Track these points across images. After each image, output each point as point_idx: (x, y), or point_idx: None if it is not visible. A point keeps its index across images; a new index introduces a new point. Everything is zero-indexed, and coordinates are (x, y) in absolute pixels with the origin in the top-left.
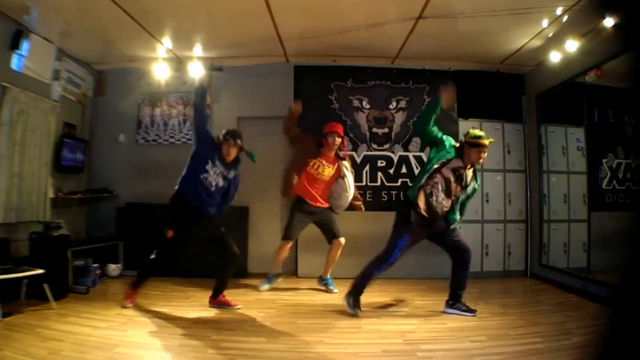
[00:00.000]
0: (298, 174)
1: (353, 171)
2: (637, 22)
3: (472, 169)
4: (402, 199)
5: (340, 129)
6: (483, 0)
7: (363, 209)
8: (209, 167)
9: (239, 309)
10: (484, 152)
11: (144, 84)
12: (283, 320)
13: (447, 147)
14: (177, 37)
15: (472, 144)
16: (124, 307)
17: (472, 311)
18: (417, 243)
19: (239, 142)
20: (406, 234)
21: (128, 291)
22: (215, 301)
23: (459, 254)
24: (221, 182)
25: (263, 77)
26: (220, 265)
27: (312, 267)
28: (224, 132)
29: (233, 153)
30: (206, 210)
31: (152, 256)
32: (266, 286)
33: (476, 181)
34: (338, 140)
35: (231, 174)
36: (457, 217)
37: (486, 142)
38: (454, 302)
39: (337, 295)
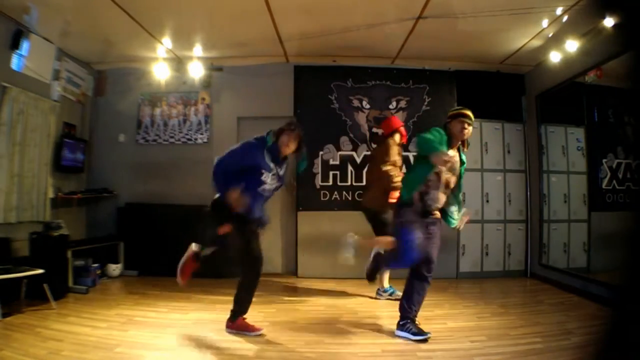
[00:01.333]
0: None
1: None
2: (637, 22)
3: (457, 151)
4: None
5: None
6: (483, 0)
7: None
8: (264, 177)
9: None
10: (467, 124)
11: (144, 84)
12: (283, 320)
13: (437, 138)
14: (177, 37)
15: (454, 115)
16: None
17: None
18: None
19: (300, 133)
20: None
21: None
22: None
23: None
24: (276, 184)
25: (263, 77)
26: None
27: (312, 267)
28: (285, 124)
29: (292, 146)
30: (259, 216)
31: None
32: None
33: (462, 160)
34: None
35: (282, 170)
36: (455, 214)
37: (469, 112)
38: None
39: (339, 295)
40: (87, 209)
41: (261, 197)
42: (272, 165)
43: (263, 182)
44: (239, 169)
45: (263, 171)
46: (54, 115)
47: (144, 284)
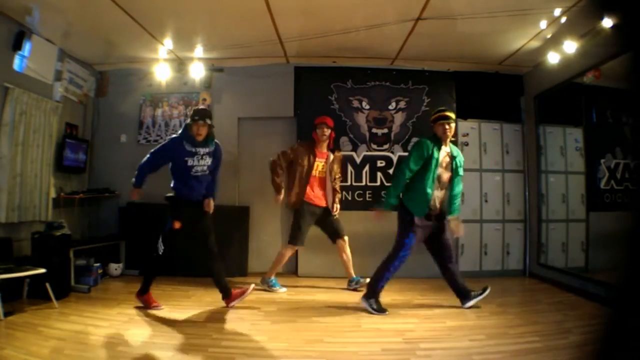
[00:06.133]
0: (302, 182)
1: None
2: (635, 23)
3: (448, 148)
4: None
5: (329, 120)
6: (482, 1)
7: (336, 209)
8: (191, 161)
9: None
10: (448, 124)
11: (146, 85)
12: (283, 319)
13: (425, 149)
14: (178, 38)
15: (435, 119)
16: (156, 308)
17: None
18: (421, 241)
19: (207, 121)
20: (413, 233)
21: (143, 297)
22: (229, 300)
23: (444, 259)
24: (209, 161)
25: (263, 77)
26: (208, 263)
27: (312, 266)
28: (192, 112)
29: (203, 132)
30: (199, 197)
31: (159, 252)
32: (277, 288)
33: (456, 158)
34: (327, 131)
35: (209, 148)
36: (457, 205)
37: (447, 113)
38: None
39: (339, 294)
40: (89, 209)
41: (197, 179)
42: (194, 149)
43: (191, 166)
44: (158, 165)
45: (187, 159)
46: (56, 116)
47: None
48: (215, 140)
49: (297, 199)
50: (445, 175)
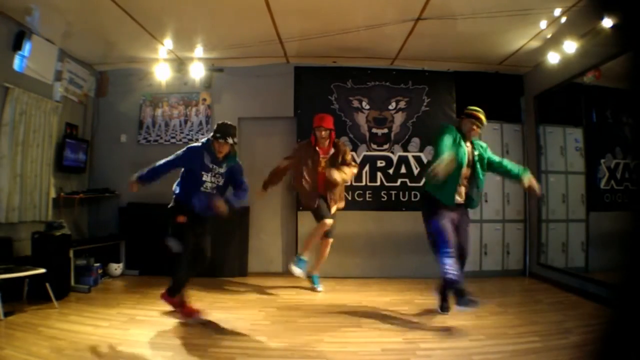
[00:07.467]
0: (312, 182)
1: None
2: (635, 23)
3: (471, 144)
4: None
5: (325, 122)
6: (482, 1)
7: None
8: (205, 176)
9: (199, 321)
10: (477, 126)
11: (146, 85)
12: (283, 319)
13: (453, 134)
14: (178, 38)
15: (468, 114)
16: (196, 320)
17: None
18: (451, 223)
19: (229, 140)
20: (433, 219)
21: (174, 300)
22: (170, 300)
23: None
24: (221, 181)
25: (264, 77)
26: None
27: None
28: (215, 127)
29: (224, 150)
30: (202, 210)
31: (176, 250)
32: (299, 270)
33: (483, 154)
34: (325, 133)
35: (224, 168)
36: (476, 199)
37: (482, 116)
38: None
39: (339, 294)
40: (89, 209)
41: (204, 194)
42: (211, 164)
43: (204, 181)
44: (170, 170)
45: (202, 172)
46: (56, 116)
47: (145, 283)
48: (237, 160)
49: (310, 200)
50: (466, 171)
